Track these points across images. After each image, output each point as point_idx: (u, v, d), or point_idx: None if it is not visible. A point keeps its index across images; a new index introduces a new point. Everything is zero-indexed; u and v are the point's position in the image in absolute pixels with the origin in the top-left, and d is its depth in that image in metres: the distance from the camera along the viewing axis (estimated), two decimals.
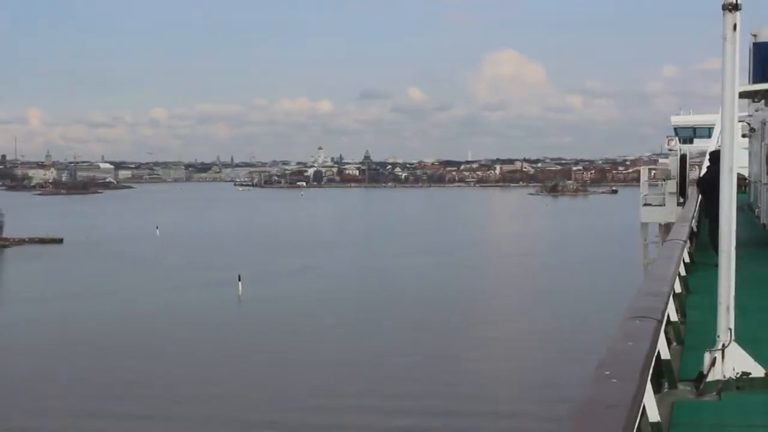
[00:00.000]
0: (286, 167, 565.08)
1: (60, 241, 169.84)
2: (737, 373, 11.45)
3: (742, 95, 28.25)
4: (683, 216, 28.40)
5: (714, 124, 52.56)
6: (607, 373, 7.18)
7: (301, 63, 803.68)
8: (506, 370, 65.36)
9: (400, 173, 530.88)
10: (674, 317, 14.29)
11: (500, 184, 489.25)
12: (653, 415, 8.99)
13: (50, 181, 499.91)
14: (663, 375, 11.33)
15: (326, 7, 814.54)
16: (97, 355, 71.57)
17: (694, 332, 14.88)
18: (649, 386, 8.63)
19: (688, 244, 23.22)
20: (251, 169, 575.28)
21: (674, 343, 13.79)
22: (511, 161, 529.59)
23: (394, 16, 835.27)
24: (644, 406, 8.30)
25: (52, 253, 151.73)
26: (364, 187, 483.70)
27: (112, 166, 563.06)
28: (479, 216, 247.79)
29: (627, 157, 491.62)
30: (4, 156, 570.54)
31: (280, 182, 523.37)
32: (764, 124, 35.83)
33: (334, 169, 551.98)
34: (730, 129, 11.69)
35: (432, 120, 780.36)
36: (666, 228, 35.73)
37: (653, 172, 42.96)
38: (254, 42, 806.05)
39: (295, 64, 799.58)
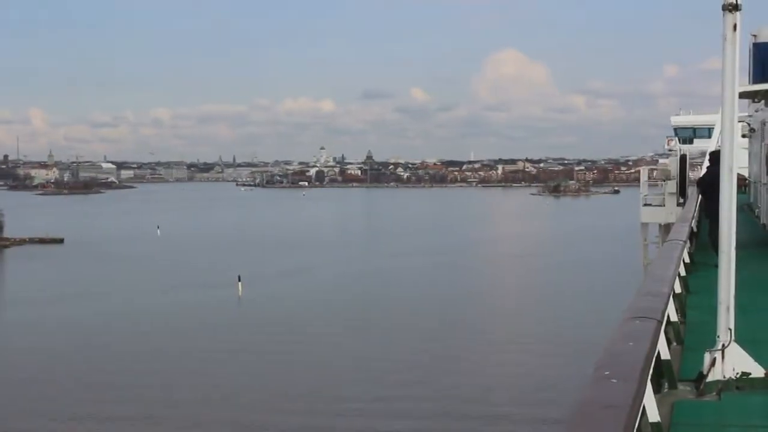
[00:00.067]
0: (288, 167, 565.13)
1: (61, 241, 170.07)
2: (737, 374, 11.43)
3: (742, 95, 28.24)
4: (683, 216, 28.37)
5: (714, 125, 52.59)
6: (607, 373, 7.15)
7: (304, 63, 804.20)
8: (505, 371, 65.32)
9: (402, 173, 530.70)
10: (674, 317, 14.27)
11: (502, 184, 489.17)
12: (653, 415, 8.97)
13: (52, 181, 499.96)
14: (663, 375, 11.30)
15: (329, 7, 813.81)
16: (97, 355, 71.62)
17: (694, 332, 14.86)
18: (649, 386, 8.61)
19: (688, 245, 23.19)
20: (253, 169, 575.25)
21: (674, 344, 13.76)
22: (513, 161, 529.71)
23: (397, 16, 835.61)
24: (644, 407, 8.29)
25: (52, 253, 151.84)
26: (366, 187, 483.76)
27: (114, 166, 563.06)
28: (480, 216, 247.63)
29: (629, 158, 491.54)
30: (6, 156, 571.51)
31: (282, 182, 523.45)
32: (764, 124, 35.79)
33: (336, 169, 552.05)
34: (730, 129, 11.68)
35: (435, 120, 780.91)
36: (666, 228, 35.69)
37: (654, 172, 42.82)
38: (257, 42, 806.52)
39: (298, 64, 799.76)
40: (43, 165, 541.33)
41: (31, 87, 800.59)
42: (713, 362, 11.41)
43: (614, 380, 6.99)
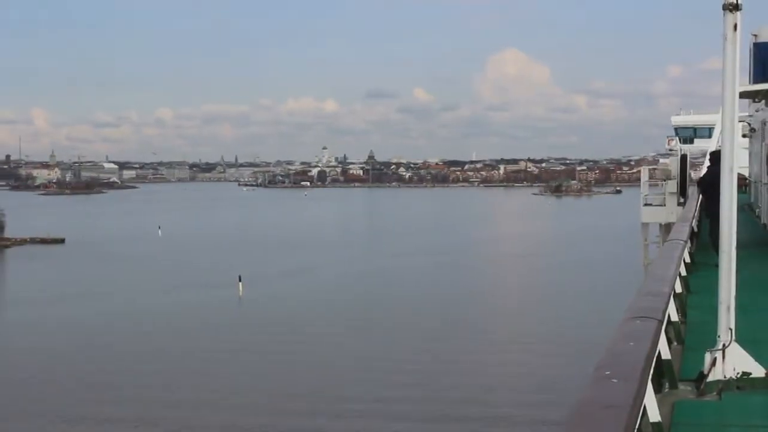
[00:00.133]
0: (291, 167, 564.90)
1: (62, 241, 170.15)
2: (738, 373, 11.43)
3: (743, 95, 28.23)
4: (684, 216, 28.39)
5: (714, 124, 52.57)
6: (608, 373, 7.17)
7: (306, 63, 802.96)
8: (507, 371, 65.29)
9: (404, 173, 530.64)
10: (675, 317, 14.27)
11: (504, 184, 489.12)
12: (654, 415, 8.96)
13: (54, 181, 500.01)
14: (663, 375, 11.31)
15: (331, 7, 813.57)
16: (97, 355, 71.61)
17: (694, 332, 14.86)
18: (649, 386, 8.61)
19: (689, 244, 23.19)
20: (255, 169, 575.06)
21: (675, 343, 13.77)
22: (515, 161, 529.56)
23: (397, 16, 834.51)
24: (645, 407, 8.29)
25: (53, 253, 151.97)
26: (368, 187, 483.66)
27: (116, 166, 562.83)
28: (482, 216, 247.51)
29: (631, 158, 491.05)
30: (8, 156, 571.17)
31: (284, 182, 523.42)
32: (764, 124, 35.80)
33: (339, 169, 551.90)
34: (730, 129, 11.68)
35: (437, 120, 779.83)
36: (666, 228, 35.72)
37: (654, 172, 42.79)
38: (260, 42, 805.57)
39: (300, 64, 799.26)
40: (45, 165, 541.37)
41: (34, 87, 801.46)
42: (714, 362, 11.42)
43: (615, 380, 7.01)
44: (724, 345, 11.42)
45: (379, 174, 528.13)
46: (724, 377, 11.40)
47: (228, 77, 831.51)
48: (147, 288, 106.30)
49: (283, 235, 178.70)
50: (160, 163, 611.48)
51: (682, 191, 38.06)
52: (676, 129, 78.74)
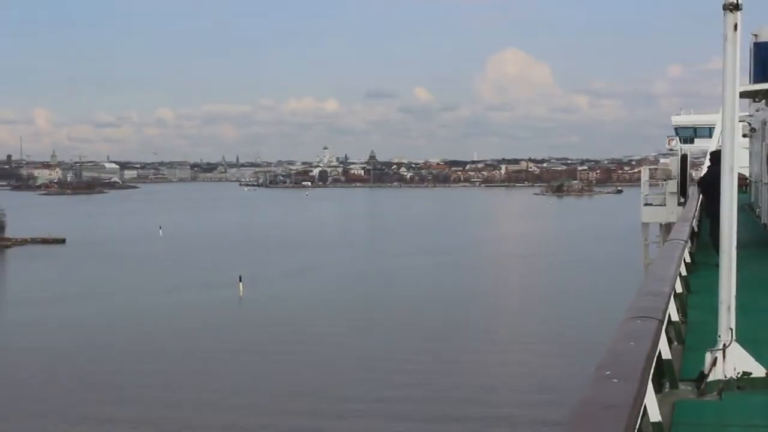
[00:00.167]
0: (292, 167, 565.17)
1: (62, 241, 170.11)
2: (738, 373, 11.44)
3: (743, 95, 28.24)
4: (684, 216, 28.40)
5: (714, 124, 52.57)
6: (608, 373, 7.18)
7: (307, 63, 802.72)
8: (509, 371, 65.29)
9: (405, 173, 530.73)
10: (675, 317, 14.28)
11: (505, 184, 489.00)
12: (654, 415, 8.97)
13: (55, 181, 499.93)
14: (664, 375, 11.31)
15: (331, 7, 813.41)
16: (97, 355, 71.59)
17: (695, 332, 14.86)
18: (650, 386, 8.62)
19: (689, 244, 23.20)
20: (257, 169, 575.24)
21: (675, 343, 13.78)
22: (516, 161, 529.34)
23: (400, 16, 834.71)
24: (645, 406, 8.30)
25: (54, 254, 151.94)
26: (369, 187, 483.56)
27: (117, 166, 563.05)
28: (483, 216, 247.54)
29: (633, 157, 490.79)
30: (9, 156, 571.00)
31: (285, 182, 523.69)
32: (765, 123, 35.79)
33: (340, 169, 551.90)
34: (730, 129, 11.68)
35: (438, 120, 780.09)
36: (667, 228, 35.73)
37: (655, 172, 42.79)
38: (260, 42, 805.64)
39: (301, 64, 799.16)
40: (46, 165, 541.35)
41: (35, 87, 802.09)
42: (714, 362, 11.42)
43: (615, 380, 7.02)
44: (724, 345, 11.42)
45: (380, 174, 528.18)
46: (725, 377, 11.40)
47: (228, 77, 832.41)
48: (147, 288, 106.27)
49: (284, 235, 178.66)
50: (162, 163, 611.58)
51: (683, 191, 38.07)
52: (676, 129, 78.77)
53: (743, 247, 13.29)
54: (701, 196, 30.74)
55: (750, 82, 29.86)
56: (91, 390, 60.83)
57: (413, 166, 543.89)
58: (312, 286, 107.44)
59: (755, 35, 29.78)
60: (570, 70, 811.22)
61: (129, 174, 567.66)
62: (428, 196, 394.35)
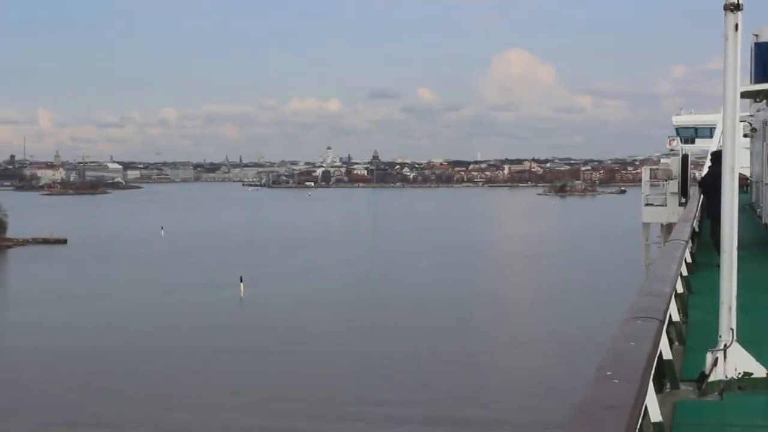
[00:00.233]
0: (295, 167, 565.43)
1: (64, 241, 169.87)
2: (739, 374, 11.45)
3: (744, 95, 28.24)
4: (685, 216, 28.41)
5: (715, 124, 52.55)
6: (609, 373, 7.17)
7: (309, 63, 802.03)
8: (512, 372, 65.30)
9: (408, 173, 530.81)
10: (676, 317, 14.30)
11: (508, 184, 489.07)
12: (655, 415, 8.98)
13: (58, 181, 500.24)
14: (665, 375, 11.32)
15: (332, 7, 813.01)
16: (98, 356, 71.49)
17: (696, 332, 14.86)
18: (651, 387, 8.63)
19: (690, 245, 23.21)
20: (260, 170, 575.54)
21: (676, 344, 13.78)
22: (519, 161, 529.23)
23: (401, 16, 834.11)
24: (646, 407, 8.32)
25: (55, 254, 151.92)
26: (373, 188, 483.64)
27: (120, 167, 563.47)
28: (487, 216, 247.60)
29: (636, 157, 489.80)
30: (12, 156, 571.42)
31: (288, 182, 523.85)
32: (766, 124, 35.74)
33: (343, 169, 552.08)
34: (731, 129, 11.70)
35: (441, 120, 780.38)
36: (668, 228, 35.68)
37: (656, 172, 42.70)
38: (261, 42, 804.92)
39: (303, 65, 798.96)
40: (49, 165, 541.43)
41: (38, 87, 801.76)
42: (715, 362, 11.43)
43: (616, 380, 7.01)
44: (725, 345, 11.43)
45: (383, 174, 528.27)
46: (726, 377, 11.41)
47: (230, 77, 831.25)
48: (148, 288, 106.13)
49: (286, 236, 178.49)
50: (164, 164, 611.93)
51: (684, 191, 38.05)
52: (677, 129, 78.74)
53: (744, 247, 13.29)
54: (702, 196, 30.74)
55: (751, 83, 29.87)
56: (92, 390, 60.82)
57: (416, 166, 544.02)
58: (314, 286, 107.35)
59: (756, 35, 29.80)
60: (573, 70, 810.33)
61: (132, 174, 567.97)
62: (431, 196, 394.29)
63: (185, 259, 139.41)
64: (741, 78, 11.60)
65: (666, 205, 38.57)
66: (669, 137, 78.01)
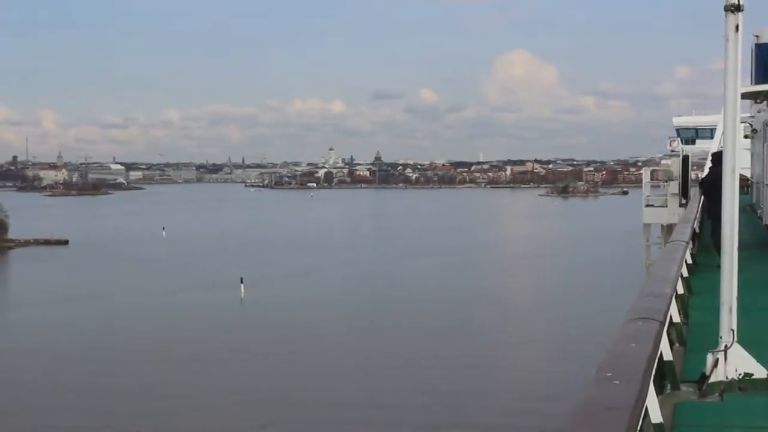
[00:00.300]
0: (297, 168, 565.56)
1: (65, 242, 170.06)
2: (740, 375, 11.45)
3: (745, 96, 28.23)
4: (685, 217, 28.44)
5: (716, 125, 52.54)
6: (609, 374, 7.16)
7: (312, 64, 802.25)
8: (514, 374, 65.32)
9: (411, 174, 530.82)
10: (677, 318, 14.31)
11: (511, 185, 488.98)
12: (656, 416, 8.98)
13: (61, 182, 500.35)
14: (665, 376, 11.33)
15: (338, 7, 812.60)
16: (97, 357, 71.48)
17: (696, 333, 14.86)
18: (651, 388, 8.64)
19: (691, 246, 23.22)
20: (262, 170, 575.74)
21: (677, 345, 13.79)
22: (522, 162, 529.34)
23: (403, 16, 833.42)
24: (647, 408, 8.33)
25: (57, 255, 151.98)
26: (375, 188, 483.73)
27: (122, 167, 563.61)
28: (489, 217, 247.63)
29: (639, 158, 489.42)
30: (15, 157, 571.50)
31: (290, 183, 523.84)
32: (766, 125, 35.74)
33: (345, 170, 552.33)
34: (732, 130, 11.71)
35: (444, 121, 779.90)
36: (668, 229, 35.67)
37: (657, 173, 42.68)
38: (261, 42, 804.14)
39: (306, 66, 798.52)
40: (52, 166, 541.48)
41: (41, 88, 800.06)
42: (716, 363, 11.44)
43: (617, 382, 7.00)
44: (726, 346, 11.44)
45: (385, 175, 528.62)
46: (726, 378, 11.41)
47: (232, 78, 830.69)
48: (148, 289, 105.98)
49: (288, 237, 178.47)
50: (167, 165, 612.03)
51: (684, 192, 38.06)
52: (677, 130, 78.84)
53: (745, 248, 13.29)
54: (702, 197, 30.75)
55: (751, 83, 29.87)
56: (94, 391, 60.83)
57: (419, 167, 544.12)
58: (316, 287, 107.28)
59: (756, 36, 29.76)
60: (575, 71, 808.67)
61: (134, 175, 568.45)
62: (433, 197, 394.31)
63: (187, 260, 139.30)
64: (741, 79, 11.62)
65: (666, 206, 38.56)
66: (670, 138, 78.19)
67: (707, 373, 11.45)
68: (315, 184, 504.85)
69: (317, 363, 68.02)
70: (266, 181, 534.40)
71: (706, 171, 34.44)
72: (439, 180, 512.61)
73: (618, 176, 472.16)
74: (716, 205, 14.55)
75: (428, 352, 70.56)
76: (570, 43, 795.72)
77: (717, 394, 11.29)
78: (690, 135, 77.17)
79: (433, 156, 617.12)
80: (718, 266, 11.93)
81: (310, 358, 69.54)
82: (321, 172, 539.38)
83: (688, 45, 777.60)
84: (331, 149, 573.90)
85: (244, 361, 69.10)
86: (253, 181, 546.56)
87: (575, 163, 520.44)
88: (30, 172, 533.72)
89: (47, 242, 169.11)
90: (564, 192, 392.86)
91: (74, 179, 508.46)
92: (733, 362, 11.46)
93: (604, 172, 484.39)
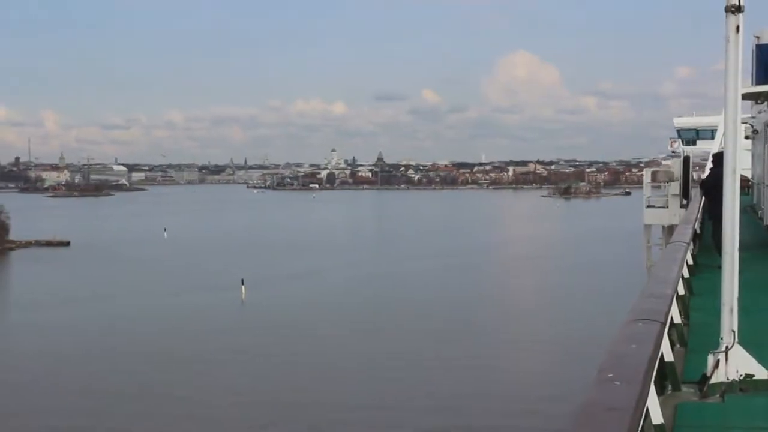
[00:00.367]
0: (299, 169, 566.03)
1: (67, 243, 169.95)
2: (741, 376, 11.43)
3: (745, 97, 28.23)
4: (686, 218, 28.45)
5: (717, 126, 52.52)
6: (611, 375, 7.14)
7: (314, 65, 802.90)
8: (515, 375, 65.32)
9: (413, 175, 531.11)
10: (677, 319, 14.30)
11: (513, 186, 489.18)
12: (657, 417, 8.96)
13: (63, 183, 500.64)
14: (666, 377, 11.31)
15: (338, 8, 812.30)
16: (98, 358, 71.51)
17: (697, 334, 14.84)
18: (652, 389, 8.62)
19: (692, 246, 23.23)
20: (264, 171, 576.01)
21: (677, 346, 13.76)
22: (524, 163, 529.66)
23: (403, 16, 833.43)
24: (648, 409, 8.31)
25: (58, 256, 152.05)
26: (377, 189, 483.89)
27: (125, 169, 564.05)
28: (491, 218, 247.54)
29: (641, 159, 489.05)
30: (17, 158, 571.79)
31: (292, 184, 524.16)
32: (767, 125, 35.77)
33: (347, 171, 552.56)
34: (733, 131, 11.71)
35: (446, 122, 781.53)
36: (669, 230, 35.64)
37: (657, 174, 42.65)
38: (267, 43, 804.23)
39: (308, 66, 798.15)
40: (54, 167, 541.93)
41: (43, 89, 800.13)
42: (717, 364, 11.41)
43: (617, 382, 6.98)
44: (726, 347, 11.42)
45: (387, 176, 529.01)
46: (727, 379, 11.39)
47: (233, 78, 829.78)
48: (149, 290, 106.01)
49: (290, 238, 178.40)
50: (169, 166, 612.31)
51: (685, 193, 38.03)
52: (678, 131, 78.82)
53: (745, 249, 13.29)
54: (703, 197, 30.74)
55: (752, 84, 29.86)
56: (95, 392, 60.83)
57: (421, 168, 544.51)
58: (318, 289, 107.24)
59: (757, 37, 29.73)
60: (576, 71, 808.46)
61: (137, 176, 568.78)
62: (436, 198, 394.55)
63: (188, 261, 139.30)
64: (742, 80, 11.62)
65: (667, 207, 38.53)
66: (670, 139, 78.19)
67: (708, 374, 11.44)
68: (317, 185, 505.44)
69: (319, 364, 67.98)
70: (268, 182, 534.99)
71: (707, 172, 34.46)
72: (441, 181, 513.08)
73: (620, 177, 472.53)
74: (717, 206, 14.55)
75: (430, 353, 70.51)
76: (570, 44, 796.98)
77: (718, 395, 11.28)
78: (691, 136, 77.17)
79: (436, 157, 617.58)
80: (719, 267, 11.91)
81: (312, 360, 69.50)
82: (323, 173, 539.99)
83: (689, 45, 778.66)
84: (333, 150, 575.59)
85: (245, 363, 69.11)
86: (255, 182, 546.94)
87: (577, 163, 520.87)
88: (32, 174, 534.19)
89: (49, 243, 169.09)
90: (566, 193, 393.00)
91: (76, 180, 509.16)
92: (734, 363, 11.44)
93: (606, 173, 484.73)
